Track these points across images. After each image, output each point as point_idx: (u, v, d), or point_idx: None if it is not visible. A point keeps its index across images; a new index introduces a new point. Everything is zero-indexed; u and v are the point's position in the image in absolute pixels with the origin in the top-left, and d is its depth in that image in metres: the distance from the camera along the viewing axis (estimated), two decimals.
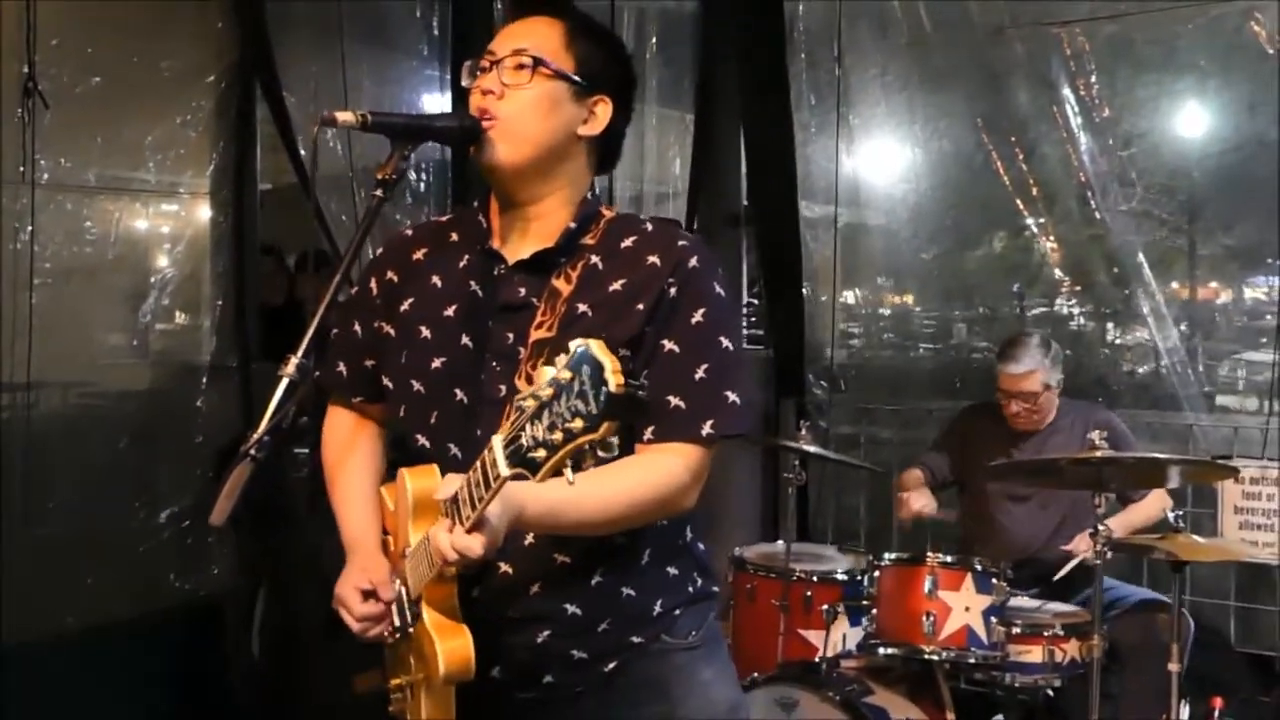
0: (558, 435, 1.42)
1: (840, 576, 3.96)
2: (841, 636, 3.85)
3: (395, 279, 2.06)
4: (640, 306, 1.88)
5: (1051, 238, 5.05)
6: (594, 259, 1.93)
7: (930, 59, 5.18)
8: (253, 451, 1.64)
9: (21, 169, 4.33)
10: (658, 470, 1.85)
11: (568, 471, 1.46)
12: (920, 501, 4.11)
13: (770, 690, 3.48)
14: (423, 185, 5.85)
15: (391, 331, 2.04)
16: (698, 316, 1.89)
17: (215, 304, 5.07)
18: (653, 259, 1.91)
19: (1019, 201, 4.99)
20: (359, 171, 5.42)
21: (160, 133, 4.82)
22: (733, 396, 1.89)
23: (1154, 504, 4.03)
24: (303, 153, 5.07)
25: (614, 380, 1.38)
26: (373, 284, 2.09)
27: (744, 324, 5.85)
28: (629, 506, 1.82)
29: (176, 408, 4.86)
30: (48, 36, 4.34)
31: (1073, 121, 4.81)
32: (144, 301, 4.84)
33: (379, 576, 1.93)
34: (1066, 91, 4.82)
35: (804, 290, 5.47)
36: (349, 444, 2.15)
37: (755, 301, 5.84)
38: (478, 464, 1.57)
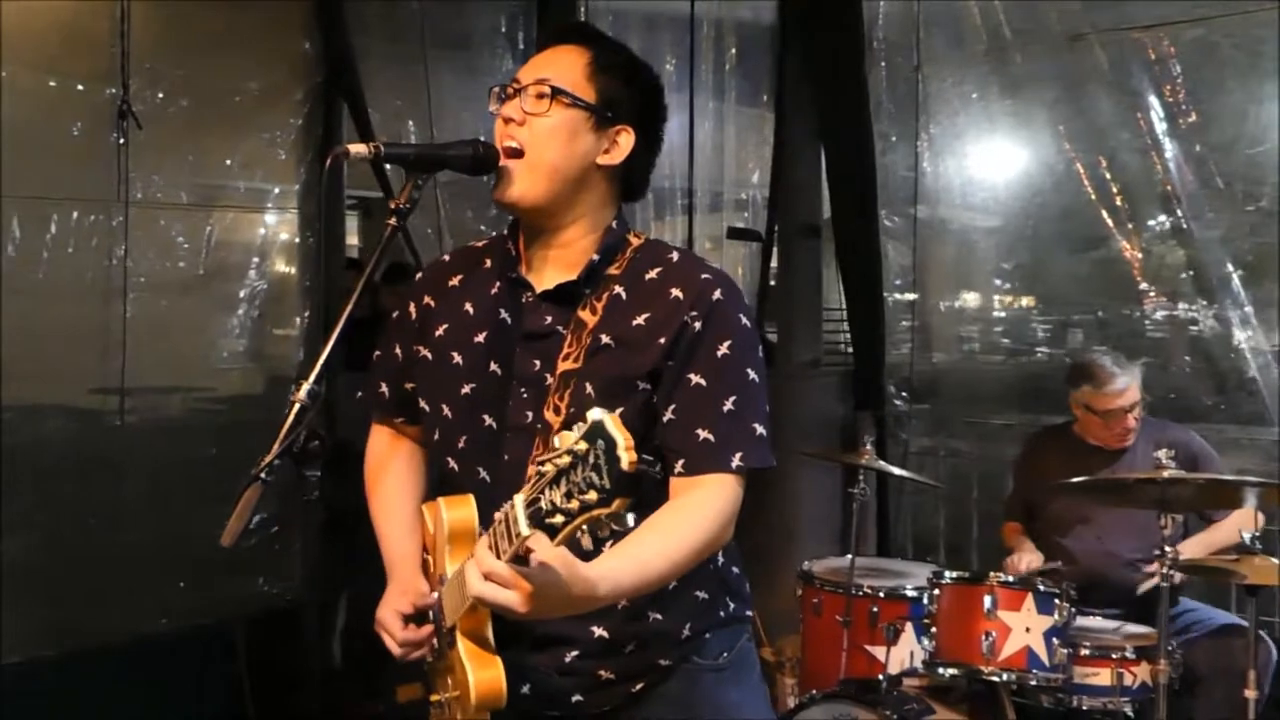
0: (574, 504, 1.46)
1: (908, 593, 3.90)
2: (909, 653, 3.81)
3: (432, 304, 2.11)
4: (661, 341, 1.90)
5: (1137, 245, 4.92)
6: (618, 289, 1.95)
7: (1009, 66, 5.10)
8: (263, 475, 1.69)
9: (117, 188, 4.50)
10: (707, 512, 1.86)
11: (585, 539, 1.50)
12: (1025, 560, 3.98)
13: (828, 707, 3.46)
14: None
15: (428, 355, 2.08)
16: (723, 349, 1.90)
17: (303, 316, 5.21)
18: (675, 292, 1.92)
19: (1103, 210, 4.88)
20: (442, 186, 5.53)
21: (248, 151, 4.98)
22: (759, 429, 1.91)
23: (1236, 523, 3.90)
24: (388, 169, 5.18)
25: (626, 458, 1.41)
26: (411, 308, 2.14)
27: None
28: (695, 554, 1.84)
29: (264, 417, 4.99)
30: (140, 60, 4.51)
31: (1157, 127, 4.69)
32: (233, 314, 4.99)
33: (420, 599, 1.98)
34: (1151, 98, 4.70)
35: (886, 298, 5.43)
36: (389, 462, 2.20)
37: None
38: (501, 517, 1.59)
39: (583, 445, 1.44)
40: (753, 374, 1.92)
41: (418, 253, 5.32)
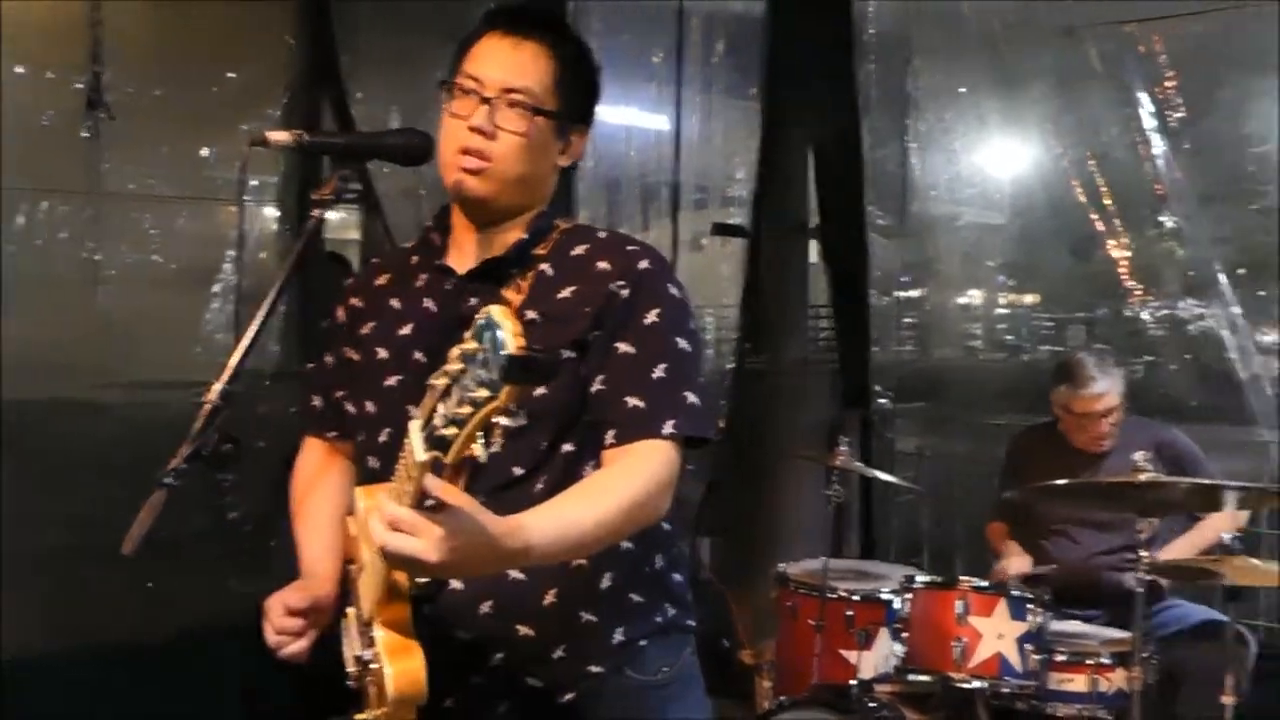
0: (465, 409, 1.36)
1: (884, 596, 3.81)
2: (884, 658, 3.73)
3: (359, 304, 2.06)
4: (587, 310, 1.85)
5: (1125, 242, 4.85)
6: (544, 268, 1.91)
7: (1000, 61, 5.02)
8: (167, 479, 1.63)
9: (88, 179, 4.45)
10: (638, 473, 1.78)
11: (479, 449, 1.40)
12: (1015, 565, 3.92)
13: (797, 715, 3.40)
14: None
15: (355, 356, 2.03)
16: (652, 317, 1.85)
17: (279, 312, 5.14)
18: (603, 265, 1.88)
19: (1091, 208, 4.81)
20: (429, 181, 5.47)
21: (227, 142, 4.91)
22: (692, 397, 1.84)
23: (1218, 522, 3.81)
24: (369, 166, 5.12)
25: (513, 343, 1.32)
26: (340, 313, 2.09)
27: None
28: (624, 515, 1.75)
29: (239, 413, 4.91)
30: (115, 50, 4.46)
31: (1147, 124, 4.61)
32: (208, 308, 4.93)
33: (315, 600, 1.91)
34: (1141, 94, 4.62)
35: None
36: (317, 477, 2.13)
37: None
38: (403, 455, 1.52)
39: (472, 345, 1.36)
40: (684, 343, 1.86)
41: (396, 245, 5.26)
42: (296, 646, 1.89)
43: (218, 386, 1.71)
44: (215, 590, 4.74)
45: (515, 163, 1.87)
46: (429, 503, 1.49)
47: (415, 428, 1.45)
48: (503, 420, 1.36)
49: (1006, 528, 4.18)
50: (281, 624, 1.88)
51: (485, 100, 1.86)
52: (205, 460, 1.68)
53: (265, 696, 4.63)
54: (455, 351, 1.39)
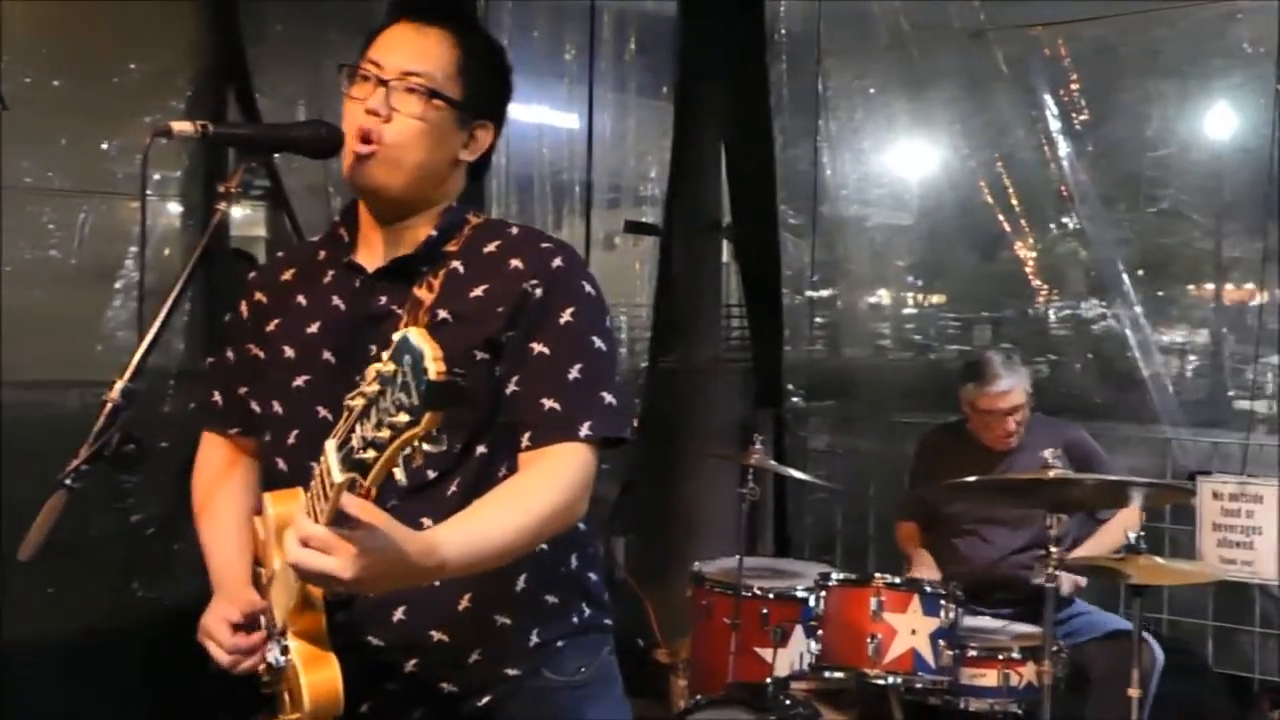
0: (384, 432, 1.34)
1: (798, 594, 3.84)
2: (798, 655, 3.75)
3: (264, 300, 2.01)
4: (500, 310, 1.82)
5: (1030, 243, 4.93)
6: (456, 264, 1.87)
7: (909, 62, 5.08)
8: (68, 481, 1.57)
9: None
10: (555, 479, 1.76)
11: (398, 472, 1.37)
12: (923, 575, 3.94)
13: (714, 713, 3.40)
14: None
15: (260, 354, 1.98)
16: (566, 316, 1.82)
17: (184, 308, 5.03)
18: (515, 263, 1.85)
19: (998, 208, 4.88)
20: (337, 177, 5.38)
21: (128, 135, 4.78)
22: (609, 398, 1.82)
23: (1123, 523, 3.88)
24: (276, 159, 5.01)
25: (434, 368, 1.30)
26: (243, 307, 2.04)
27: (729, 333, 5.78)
28: (541, 523, 1.73)
29: (142, 413, 4.78)
30: (11, 38, 4.31)
31: (1052, 126, 4.69)
32: (109, 305, 4.79)
33: (249, 607, 1.85)
34: (1046, 96, 4.70)
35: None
36: (220, 477, 2.07)
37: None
38: (318, 472, 1.49)
39: (390, 366, 1.34)
40: (600, 342, 1.84)
41: (304, 238, 5.18)
42: (251, 662, 1.82)
43: (120, 385, 1.66)
44: (117, 595, 4.62)
45: (410, 148, 1.83)
46: (340, 512, 1.45)
47: (331, 447, 1.42)
48: (425, 446, 1.35)
49: (917, 529, 4.22)
50: (234, 644, 1.81)
51: (383, 83, 1.83)
52: (107, 461, 1.63)
53: (171, 701, 4.54)
54: (372, 372, 1.37)
